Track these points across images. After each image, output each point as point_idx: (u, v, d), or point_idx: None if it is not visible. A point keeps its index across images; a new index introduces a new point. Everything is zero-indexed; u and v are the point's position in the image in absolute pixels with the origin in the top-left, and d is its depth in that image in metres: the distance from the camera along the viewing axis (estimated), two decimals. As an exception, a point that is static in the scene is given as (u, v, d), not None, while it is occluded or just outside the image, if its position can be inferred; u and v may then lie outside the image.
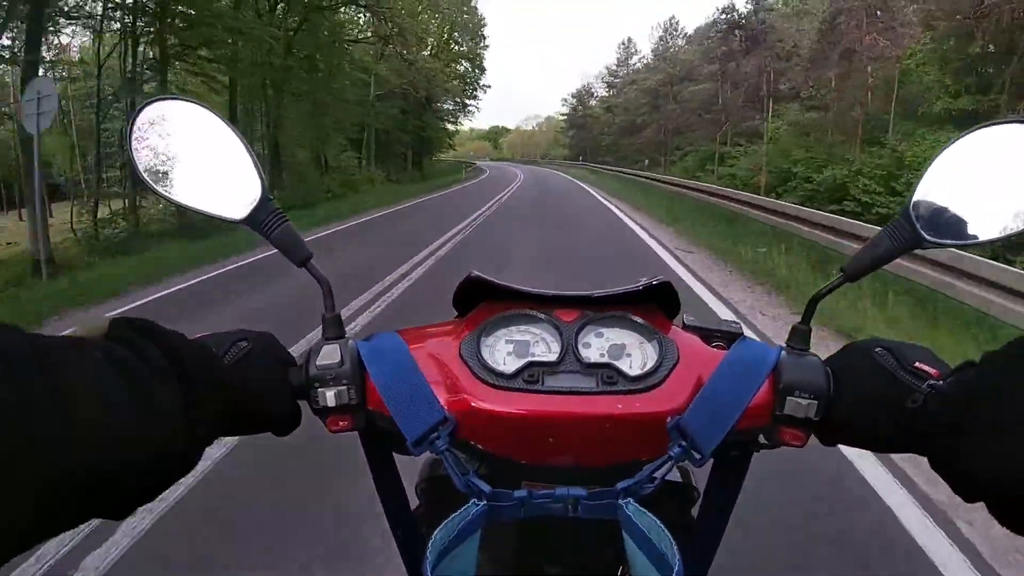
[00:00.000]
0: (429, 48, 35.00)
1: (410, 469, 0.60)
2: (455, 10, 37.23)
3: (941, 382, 0.40)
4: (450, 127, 45.04)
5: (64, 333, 0.36)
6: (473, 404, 0.46)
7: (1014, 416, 0.34)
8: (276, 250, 0.51)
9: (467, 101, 42.30)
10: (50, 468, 0.29)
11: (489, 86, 43.20)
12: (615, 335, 0.51)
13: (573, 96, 63.79)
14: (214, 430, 0.42)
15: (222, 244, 8.40)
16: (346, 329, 0.51)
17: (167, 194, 0.50)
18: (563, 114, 67.24)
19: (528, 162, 74.98)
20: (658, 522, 0.42)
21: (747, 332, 0.52)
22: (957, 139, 0.45)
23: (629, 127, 41.04)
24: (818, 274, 5.81)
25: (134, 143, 0.50)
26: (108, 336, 0.38)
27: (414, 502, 0.60)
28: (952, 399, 0.39)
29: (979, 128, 0.44)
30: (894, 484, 2.27)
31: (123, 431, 0.33)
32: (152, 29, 12.05)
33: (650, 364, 0.48)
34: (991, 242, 0.45)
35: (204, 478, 2.28)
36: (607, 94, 54.84)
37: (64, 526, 0.32)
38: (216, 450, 2.41)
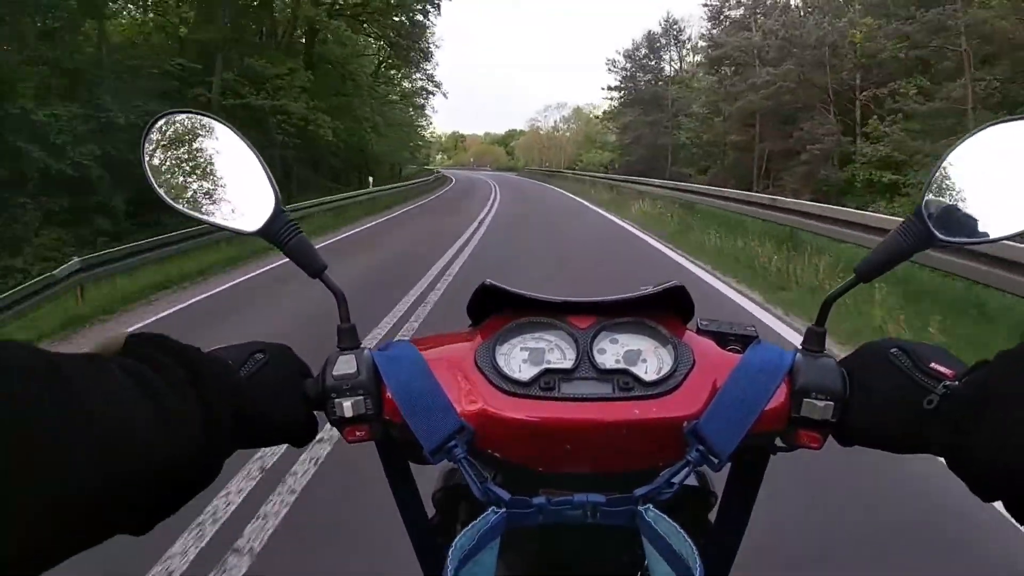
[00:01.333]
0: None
1: (424, 479, 0.59)
2: None
3: (956, 383, 0.40)
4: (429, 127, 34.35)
5: (81, 350, 0.36)
6: (490, 412, 0.46)
7: None
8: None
9: (401, 38, 24.44)
10: (68, 486, 0.29)
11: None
12: (630, 341, 0.51)
13: (627, 55, 34.47)
14: (232, 443, 0.42)
15: None
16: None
17: (181, 207, 0.51)
18: (611, 88, 36.54)
19: (547, 174, 41.04)
20: (678, 527, 0.42)
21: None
22: (967, 137, 0.45)
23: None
24: None
25: (146, 156, 0.50)
26: (124, 351, 0.38)
27: (430, 511, 0.60)
28: (966, 399, 0.39)
29: (988, 126, 0.45)
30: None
31: (141, 446, 0.33)
32: None
33: (666, 369, 0.48)
34: (1003, 239, 0.45)
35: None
36: (708, 27, 27.25)
37: (84, 544, 0.32)
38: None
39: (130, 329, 0.43)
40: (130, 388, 0.34)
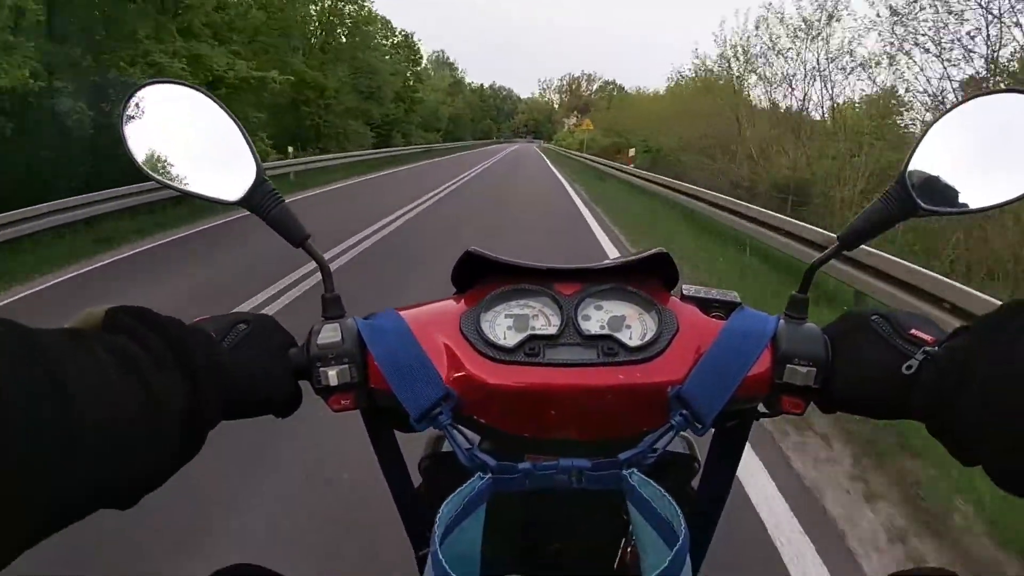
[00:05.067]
0: None
1: (411, 448, 0.59)
2: None
3: (936, 348, 0.41)
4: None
5: (62, 325, 0.36)
6: (475, 378, 0.46)
7: (1005, 380, 0.35)
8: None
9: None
10: (53, 463, 0.29)
11: None
12: (614, 307, 0.52)
13: None
14: (216, 414, 0.42)
15: None
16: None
17: (161, 178, 0.50)
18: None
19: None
20: (663, 491, 0.43)
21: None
22: (952, 108, 0.45)
23: None
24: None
25: (126, 127, 0.50)
26: (105, 326, 0.38)
27: (416, 480, 0.61)
28: (946, 365, 0.39)
29: (973, 97, 0.45)
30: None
31: (125, 421, 0.33)
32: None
33: (650, 335, 0.48)
34: (985, 209, 0.45)
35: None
36: None
37: (69, 519, 0.32)
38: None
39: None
40: (111, 363, 0.34)
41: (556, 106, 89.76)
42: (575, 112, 74.33)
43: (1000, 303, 0.39)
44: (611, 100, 59.56)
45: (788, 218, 5.87)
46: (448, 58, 70.14)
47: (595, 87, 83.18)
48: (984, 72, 8.77)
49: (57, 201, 6.96)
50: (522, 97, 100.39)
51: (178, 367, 0.38)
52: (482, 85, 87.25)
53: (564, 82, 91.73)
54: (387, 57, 30.28)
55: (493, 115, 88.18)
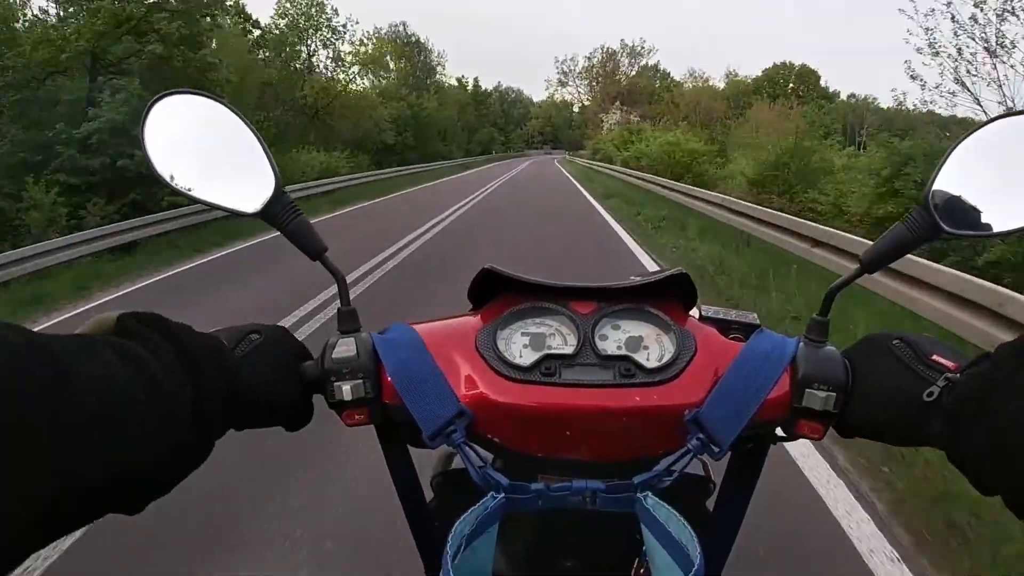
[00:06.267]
0: None
1: (422, 463, 0.59)
2: None
3: (958, 375, 0.40)
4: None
5: (74, 331, 0.36)
6: (489, 397, 0.46)
7: None
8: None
9: None
10: (62, 467, 0.29)
11: None
12: (632, 327, 0.51)
13: None
14: (225, 422, 0.42)
15: None
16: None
17: (181, 188, 0.50)
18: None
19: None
20: (677, 515, 0.42)
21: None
22: (975, 130, 0.44)
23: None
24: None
25: (147, 137, 0.50)
26: (116, 331, 0.38)
27: (428, 495, 0.60)
28: (967, 392, 0.39)
29: (997, 119, 0.44)
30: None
31: (134, 426, 0.33)
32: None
33: (667, 356, 0.48)
34: (1009, 233, 0.44)
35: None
36: None
37: (78, 524, 0.32)
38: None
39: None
40: (121, 368, 0.34)
41: (585, 100, 61.41)
42: (616, 102, 47.31)
43: None
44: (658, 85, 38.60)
45: None
46: (416, 37, 45.30)
47: (641, 64, 54.47)
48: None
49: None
50: (535, 100, 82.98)
51: (187, 374, 0.38)
52: (476, 80, 64.16)
53: (595, 61, 59.72)
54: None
55: (500, 122, 69.94)
